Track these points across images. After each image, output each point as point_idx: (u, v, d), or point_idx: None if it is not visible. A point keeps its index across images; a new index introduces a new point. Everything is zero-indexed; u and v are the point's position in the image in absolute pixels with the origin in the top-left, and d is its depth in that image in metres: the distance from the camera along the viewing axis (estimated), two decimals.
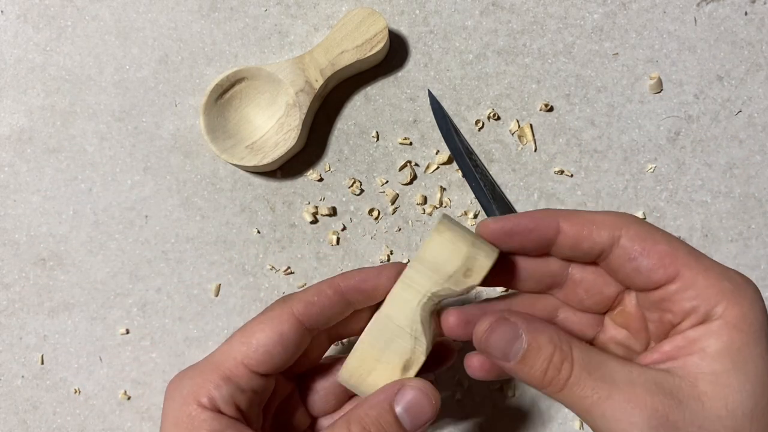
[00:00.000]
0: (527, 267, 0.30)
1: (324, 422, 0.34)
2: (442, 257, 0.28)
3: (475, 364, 0.31)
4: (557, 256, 0.29)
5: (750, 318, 0.25)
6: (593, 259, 0.28)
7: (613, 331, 0.31)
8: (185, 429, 0.28)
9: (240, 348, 0.30)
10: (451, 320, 0.30)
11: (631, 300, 0.29)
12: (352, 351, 0.30)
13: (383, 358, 0.30)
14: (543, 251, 0.29)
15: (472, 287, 0.29)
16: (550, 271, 0.30)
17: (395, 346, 0.29)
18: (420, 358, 0.29)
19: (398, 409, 0.28)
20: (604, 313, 0.31)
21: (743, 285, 0.26)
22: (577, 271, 0.30)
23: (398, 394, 0.28)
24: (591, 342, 0.31)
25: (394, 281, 0.30)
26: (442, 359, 0.33)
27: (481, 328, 0.27)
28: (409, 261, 0.31)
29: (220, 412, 0.29)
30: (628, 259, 0.27)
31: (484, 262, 0.28)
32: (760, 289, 0.26)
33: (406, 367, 0.30)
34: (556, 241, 0.28)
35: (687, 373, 0.25)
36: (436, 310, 0.30)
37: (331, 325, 0.32)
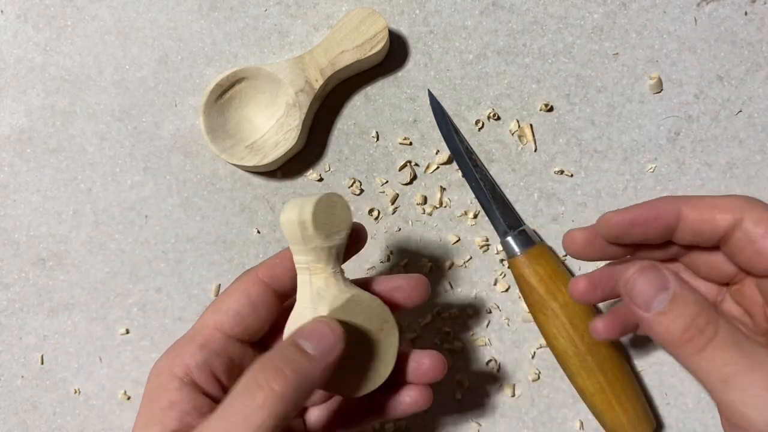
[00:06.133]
0: (649, 257, 0.30)
1: None
2: (290, 228, 0.30)
3: (599, 327, 0.31)
4: (678, 243, 0.29)
5: None
6: (715, 243, 0.28)
7: (731, 306, 0.30)
8: (149, 398, 0.29)
9: (212, 316, 0.31)
10: (580, 286, 0.30)
11: (751, 282, 0.29)
12: None
13: None
14: (665, 239, 0.29)
15: (322, 233, 0.30)
16: (670, 254, 0.30)
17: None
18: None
19: (299, 340, 0.28)
20: (726, 285, 0.30)
21: None
22: (695, 253, 0.30)
23: (295, 333, 0.28)
24: None
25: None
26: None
27: (629, 272, 0.26)
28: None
29: (193, 380, 0.29)
30: (749, 241, 0.26)
31: (308, 207, 0.30)
32: None
33: None
34: (678, 228, 0.28)
35: None
36: (334, 273, 0.31)
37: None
